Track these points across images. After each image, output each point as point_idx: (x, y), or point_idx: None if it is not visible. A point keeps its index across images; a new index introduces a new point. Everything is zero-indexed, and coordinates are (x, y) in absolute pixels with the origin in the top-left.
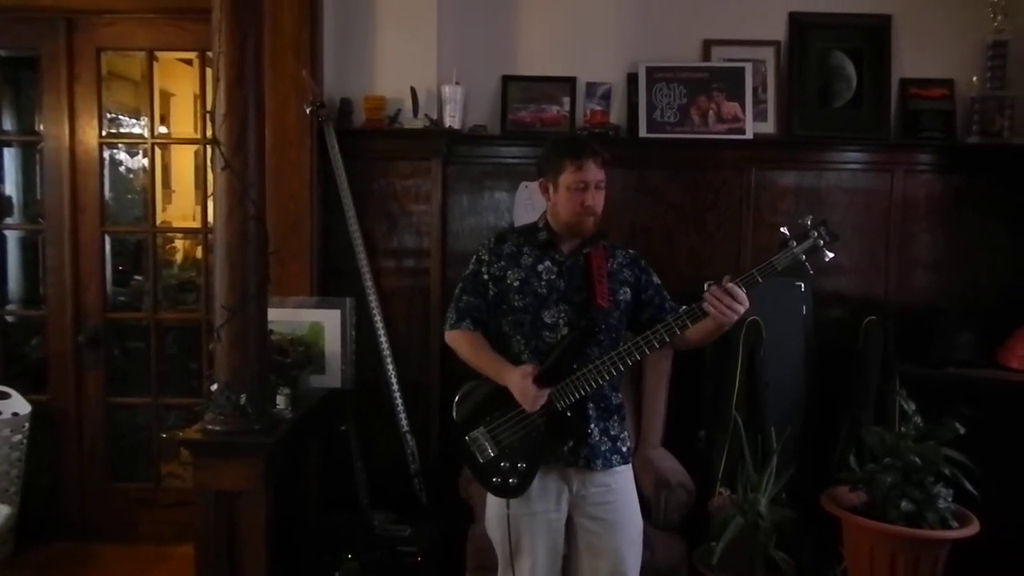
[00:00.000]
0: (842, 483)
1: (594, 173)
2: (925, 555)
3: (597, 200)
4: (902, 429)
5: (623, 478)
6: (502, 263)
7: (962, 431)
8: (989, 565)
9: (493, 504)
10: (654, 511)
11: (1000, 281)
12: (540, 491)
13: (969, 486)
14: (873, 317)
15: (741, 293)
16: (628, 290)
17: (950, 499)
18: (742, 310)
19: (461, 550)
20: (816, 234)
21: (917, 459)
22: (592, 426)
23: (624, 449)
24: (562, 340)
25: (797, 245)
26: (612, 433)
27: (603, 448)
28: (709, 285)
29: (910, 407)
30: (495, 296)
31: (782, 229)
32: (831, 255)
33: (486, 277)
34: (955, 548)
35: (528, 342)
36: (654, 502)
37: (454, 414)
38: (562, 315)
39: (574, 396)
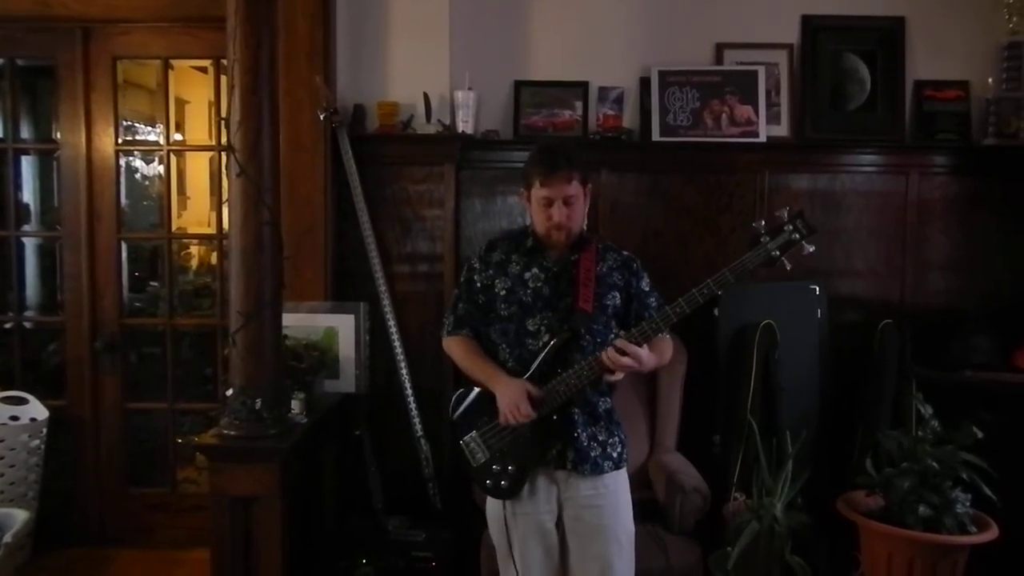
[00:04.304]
0: (858, 487)
1: (560, 189)
2: (943, 561)
3: (564, 215)
4: (919, 433)
5: (614, 483)
6: (491, 272)
7: (980, 435)
8: (1008, 570)
9: (491, 505)
10: (669, 516)
11: (1017, 283)
12: (531, 493)
13: (988, 491)
14: (889, 320)
15: (635, 350)
16: (617, 294)
17: (968, 504)
18: (632, 365)
19: (475, 555)
20: (791, 227)
21: (935, 463)
22: (579, 431)
23: (615, 455)
24: (543, 347)
25: (770, 241)
26: (600, 439)
27: (592, 453)
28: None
29: (927, 411)
30: (484, 304)
31: (755, 224)
32: (811, 248)
33: (479, 285)
34: (974, 553)
35: (513, 351)
36: (669, 507)
37: (450, 418)
38: (544, 322)
39: (556, 401)
